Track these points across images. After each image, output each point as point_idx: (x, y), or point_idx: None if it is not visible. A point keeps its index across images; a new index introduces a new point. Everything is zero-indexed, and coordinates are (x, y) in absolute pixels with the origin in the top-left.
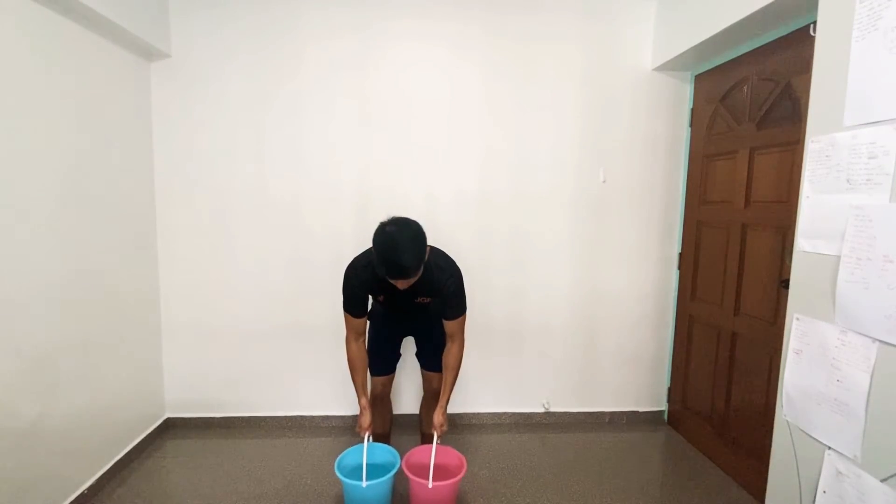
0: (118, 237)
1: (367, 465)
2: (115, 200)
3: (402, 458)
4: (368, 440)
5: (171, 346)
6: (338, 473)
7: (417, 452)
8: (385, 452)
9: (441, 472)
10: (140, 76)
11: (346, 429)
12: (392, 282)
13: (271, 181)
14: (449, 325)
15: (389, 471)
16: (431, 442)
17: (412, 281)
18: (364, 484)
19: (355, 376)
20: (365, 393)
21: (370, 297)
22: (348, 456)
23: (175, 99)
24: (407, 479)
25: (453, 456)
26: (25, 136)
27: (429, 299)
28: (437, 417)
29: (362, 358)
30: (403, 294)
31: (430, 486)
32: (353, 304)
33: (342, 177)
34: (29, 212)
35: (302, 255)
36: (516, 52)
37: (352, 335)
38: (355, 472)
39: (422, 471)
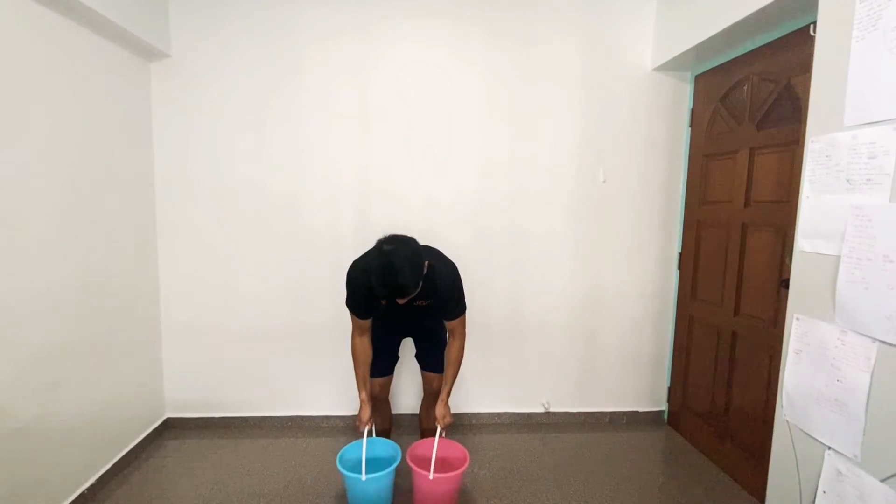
0: (118, 237)
1: (369, 459)
2: (115, 200)
3: (404, 452)
4: (369, 434)
5: (171, 346)
6: (339, 468)
7: (421, 445)
8: (386, 446)
9: (444, 465)
10: (140, 76)
11: (346, 429)
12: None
13: (271, 181)
14: (449, 323)
15: (391, 464)
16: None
17: (411, 296)
18: (363, 477)
19: (357, 369)
20: (365, 387)
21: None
22: (350, 450)
23: (175, 99)
24: (410, 471)
25: (457, 449)
26: (25, 136)
27: (427, 302)
28: (440, 409)
29: (365, 352)
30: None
31: (431, 477)
32: (356, 307)
33: (342, 177)
34: (29, 212)
35: (302, 254)
36: (516, 53)
37: (357, 332)
38: (357, 467)
39: (425, 463)
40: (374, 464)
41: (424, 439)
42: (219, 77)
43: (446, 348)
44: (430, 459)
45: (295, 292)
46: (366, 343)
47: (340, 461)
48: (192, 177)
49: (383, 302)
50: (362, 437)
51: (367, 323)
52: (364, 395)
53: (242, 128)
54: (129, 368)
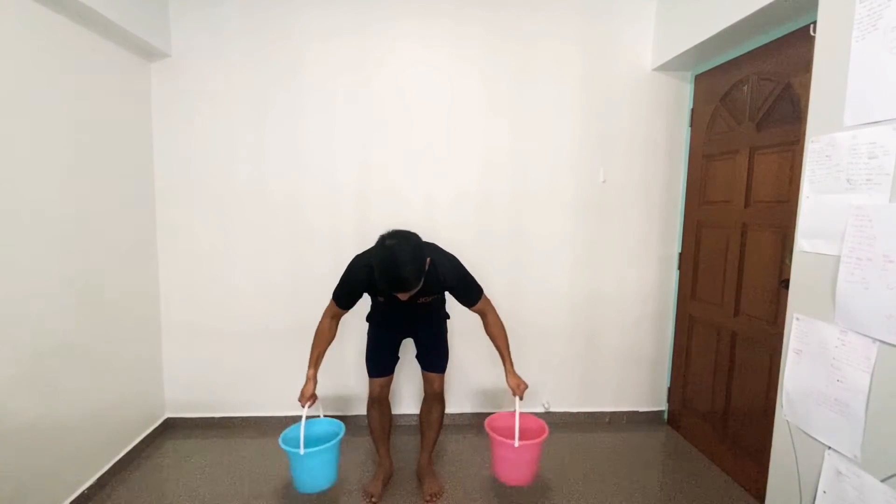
0: (118, 237)
1: (317, 438)
2: (115, 200)
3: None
4: (310, 410)
5: (171, 346)
6: (281, 444)
7: (500, 417)
8: (329, 424)
9: (523, 435)
10: (140, 76)
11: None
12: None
13: (271, 181)
14: (475, 308)
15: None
16: (432, 443)
17: (413, 292)
18: (302, 451)
19: (314, 348)
20: (315, 365)
21: (370, 297)
22: (294, 430)
23: (175, 99)
24: (490, 441)
25: (533, 421)
26: (25, 136)
27: (430, 298)
28: (511, 381)
29: (330, 333)
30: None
31: (517, 444)
32: (343, 299)
33: (342, 177)
34: (29, 212)
35: (302, 255)
36: (516, 53)
37: (329, 314)
38: (306, 445)
39: (505, 434)
40: (320, 441)
41: (502, 412)
42: (219, 76)
43: (485, 328)
44: (510, 429)
45: (295, 292)
46: (333, 326)
47: (284, 440)
48: (192, 177)
49: (381, 299)
50: (304, 413)
51: (343, 312)
52: (311, 371)
53: (242, 127)
54: (129, 368)
